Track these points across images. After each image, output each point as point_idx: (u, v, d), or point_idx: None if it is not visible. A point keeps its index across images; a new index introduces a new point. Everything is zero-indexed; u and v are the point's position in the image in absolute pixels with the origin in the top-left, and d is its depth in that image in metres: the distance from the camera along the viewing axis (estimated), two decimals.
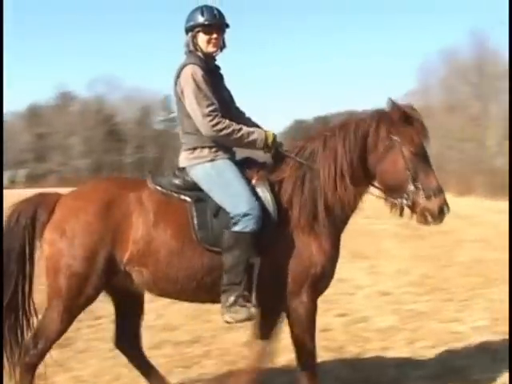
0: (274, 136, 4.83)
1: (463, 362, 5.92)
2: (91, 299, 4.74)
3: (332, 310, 8.01)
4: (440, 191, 4.60)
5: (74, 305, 4.65)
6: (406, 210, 4.73)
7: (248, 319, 4.57)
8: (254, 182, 4.74)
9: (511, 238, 11.06)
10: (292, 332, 4.75)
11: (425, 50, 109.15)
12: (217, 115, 4.71)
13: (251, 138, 4.77)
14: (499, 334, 6.90)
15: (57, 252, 4.65)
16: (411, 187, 4.58)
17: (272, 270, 4.60)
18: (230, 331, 7.09)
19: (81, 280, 4.60)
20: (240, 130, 4.76)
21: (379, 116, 4.77)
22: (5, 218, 4.84)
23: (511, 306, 6.68)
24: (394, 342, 6.79)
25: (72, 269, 4.60)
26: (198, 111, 4.69)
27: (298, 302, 4.66)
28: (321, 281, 4.72)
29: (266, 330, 4.98)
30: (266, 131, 4.86)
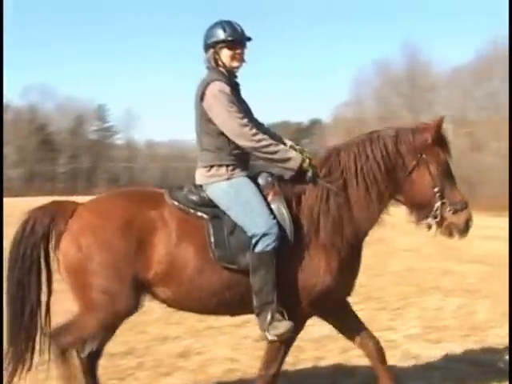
0: (310, 159, 4.82)
1: (396, 369, 5.99)
2: (124, 318, 4.74)
3: None
4: (465, 206, 4.70)
5: (108, 319, 4.66)
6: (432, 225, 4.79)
7: (289, 332, 4.60)
8: (270, 198, 4.73)
9: (511, 245, 11.27)
10: (273, 344, 4.80)
11: (358, 61, 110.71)
12: (252, 126, 4.74)
13: (287, 155, 4.77)
14: (431, 341, 7.02)
15: (78, 266, 4.62)
16: (438, 203, 4.67)
17: (285, 282, 4.64)
18: (164, 342, 7.04)
19: (112, 298, 4.58)
20: (277, 144, 4.79)
21: (407, 133, 4.80)
22: (19, 225, 4.79)
23: (511, 307, 6.77)
24: (328, 352, 6.82)
25: (101, 286, 4.57)
26: (233, 124, 4.68)
27: (302, 314, 4.80)
28: (323, 300, 4.74)
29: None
30: (300, 153, 4.85)
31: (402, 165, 4.72)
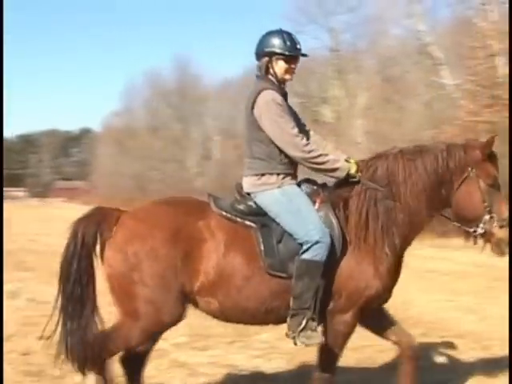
0: (357, 166, 4.78)
1: (164, 378, 6.03)
2: (168, 327, 4.71)
3: (33, 332, 7.68)
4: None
5: (151, 329, 4.63)
6: (480, 240, 4.81)
7: (317, 345, 4.63)
8: (317, 205, 4.69)
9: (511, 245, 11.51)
10: (324, 347, 4.72)
11: (129, 71, 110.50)
12: (303, 137, 4.73)
13: (335, 165, 4.73)
14: (198, 349, 7.11)
15: (122, 275, 4.56)
16: (486, 217, 4.69)
17: (329, 289, 4.63)
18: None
19: (157, 308, 4.53)
20: (326, 155, 4.74)
21: (458, 148, 4.79)
22: (69, 238, 4.70)
23: (511, 308, 6.94)
24: None
25: (146, 295, 4.52)
26: (284, 134, 4.65)
27: (341, 320, 4.69)
28: (371, 304, 4.75)
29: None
30: (347, 160, 4.83)
31: (452, 178, 4.74)
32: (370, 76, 29.44)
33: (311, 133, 5.14)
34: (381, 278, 4.67)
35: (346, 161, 4.84)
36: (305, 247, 4.51)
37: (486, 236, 4.75)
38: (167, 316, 4.59)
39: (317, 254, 4.49)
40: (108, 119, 63.60)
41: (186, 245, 4.57)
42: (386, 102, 27.63)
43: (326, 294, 4.62)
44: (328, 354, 4.77)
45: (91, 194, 58.95)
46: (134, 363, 5.00)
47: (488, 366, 6.25)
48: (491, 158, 4.79)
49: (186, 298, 4.62)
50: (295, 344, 4.58)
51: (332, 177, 4.82)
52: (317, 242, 4.49)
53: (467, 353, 6.77)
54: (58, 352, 4.67)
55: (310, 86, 35.66)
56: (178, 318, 4.66)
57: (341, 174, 4.76)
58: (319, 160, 4.71)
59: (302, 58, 4.90)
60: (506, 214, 4.70)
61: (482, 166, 4.74)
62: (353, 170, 4.75)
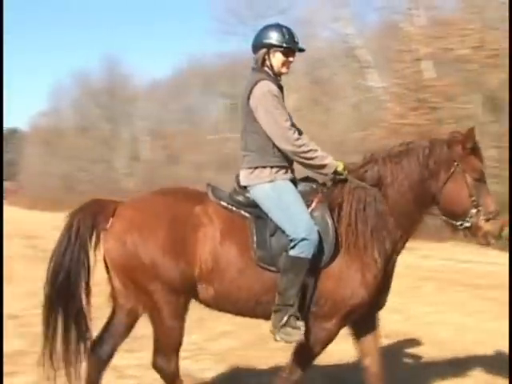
0: (345, 165, 4.80)
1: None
2: (184, 308, 4.67)
3: None
4: (498, 214, 4.74)
5: (178, 314, 4.63)
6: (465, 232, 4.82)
7: (299, 340, 4.56)
8: (314, 205, 4.69)
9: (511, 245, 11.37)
10: (299, 349, 4.73)
11: (58, 71, 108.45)
12: (295, 131, 4.73)
13: (324, 161, 4.75)
14: (125, 351, 7.02)
15: (124, 263, 4.57)
16: (473, 210, 4.70)
17: (320, 290, 4.62)
18: None
19: (172, 291, 4.54)
20: (316, 150, 4.75)
21: (441, 144, 4.81)
22: (63, 230, 4.66)
23: (511, 310, 6.80)
24: (23, 366, 6.58)
25: (160, 282, 4.52)
26: (278, 124, 4.65)
27: (322, 327, 4.68)
28: (355, 312, 4.70)
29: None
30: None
31: (438, 175, 4.75)
32: (299, 78, 29.63)
33: (302, 133, 5.08)
34: (367, 286, 4.64)
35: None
36: (292, 244, 4.52)
37: (473, 229, 4.77)
38: (183, 300, 4.61)
39: (302, 251, 4.49)
40: (35, 119, 62.45)
41: (183, 230, 4.58)
42: (315, 103, 27.93)
43: (312, 296, 4.62)
44: (302, 357, 4.77)
45: (18, 194, 57.77)
46: (101, 362, 4.94)
47: (416, 365, 6.44)
48: (475, 151, 4.81)
49: (190, 283, 4.60)
50: (275, 339, 4.57)
51: (320, 173, 4.84)
52: (303, 239, 4.49)
53: (394, 352, 6.86)
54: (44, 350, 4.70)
55: (238, 86, 35.67)
56: (187, 301, 4.67)
57: (329, 171, 4.78)
58: (309, 155, 4.72)
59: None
60: (492, 207, 4.74)
61: (467, 159, 4.75)
62: (340, 168, 4.77)
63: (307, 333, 4.59)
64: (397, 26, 21.42)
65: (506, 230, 4.82)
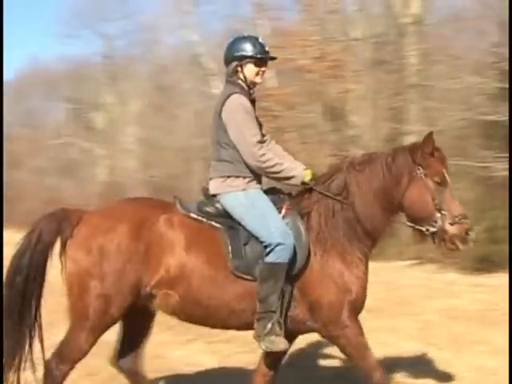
0: (313, 174, 4.89)
1: None
2: (116, 320, 4.71)
3: None
4: (464, 217, 4.74)
5: (98, 325, 4.60)
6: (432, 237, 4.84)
7: (282, 350, 4.65)
8: (283, 212, 4.77)
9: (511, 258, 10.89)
10: (349, 357, 4.78)
11: None
12: (262, 146, 4.81)
13: (290, 173, 4.84)
14: None
15: (82, 271, 4.58)
16: (438, 215, 4.71)
17: (305, 299, 4.66)
18: None
19: (107, 301, 4.55)
20: (282, 164, 4.83)
21: (402, 151, 4.89)
22: (24, 236, 4.73)
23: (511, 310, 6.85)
24: None
25: (98, 289, 4.54)
26: (245, 140, 4.73)
27: (340, 329, 4.67)
28: (356, 305, 4.74)
29: (274, 358, 5.03)
30: (304, 168, 4.92)
31: (400, 181, 4.79)
32: (143, 83, 29.37)
33: (272, 142, 5.20)
34: (358, 281, 4.75)
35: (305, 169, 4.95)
36: (268, 250, 4.58)
37: (440, 234, 4.81)
38: (115, 309, 4.60)
39: (279, 256, 4.55)
40: None
41: (147, 237, 4.62)
42: (159, 109, 27.74)
43: (310, 307, 4.68)
44: (361, 365, 4.76)
45: None
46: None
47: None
48: (436, 155, 4.86)
49: (141, 292, 4.64)
50: (261, 348, 4.65)
51: (288, 184, 4.97)
52: (278, 244, 4.55)
53: (235, 356, 6.94)
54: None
55: (82, 91, 34.88)
56: (124, 312, 4.66)
57: (296, 182, 4.91)
58: (274, 169, 4.82)
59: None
60: (457, 210, 4.76)
61: (428, 164, 4.81)
62: (307, 179, 4.88)
63: (338, 343, 4.76)
64: (241, 34, 21.57)
65: (473, 234, 4.83)
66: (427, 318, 8.85)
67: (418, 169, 4.81)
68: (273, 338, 4.55)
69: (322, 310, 4.69)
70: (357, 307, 4.78)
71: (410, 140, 15.53)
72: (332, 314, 4.69)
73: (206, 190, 4.95)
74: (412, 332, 8.00)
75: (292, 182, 4.92)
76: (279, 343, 4.57)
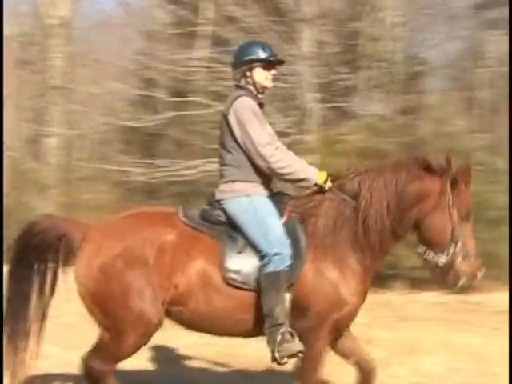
0: (327, 177, 4.74)
1: None
2: (149, 337, 4.63)
3: None
4: (476, 256, 4.60)
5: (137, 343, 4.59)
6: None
7: (298, 353, 4.48)
8: (284, 218, 4.67)
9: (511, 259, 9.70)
10: (301, 366, 4.64)
11: None
12: (272, 147, 4.72)
13: (302, 175, 4.75)
14: None
15: (95, 290, 4.55)
16: (452, 247, 4.57)
17: (295, 307, 4.56)
18: None
19: (136, 319, 4.49)
20: (293, 165, 4.74)
21: (438, 168, 4.59)
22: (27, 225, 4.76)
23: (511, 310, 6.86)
24: None
25: (126, 309, 4.49)
26: (253, 140, 4.67)
27: (313, 339, 4.59)
28: (341, 324, 4.66)
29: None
30: (318, 171, 4.79)
31: (424, 201, 4.60)
32: None
33: (284, 147, 5.03)
34: (353, 294, 4.61)
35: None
36: (265, 260, 4.51)
37: (447, 266, 4.63)
38: (151, 322, 4.54)
39: (277, 265, 4.48)
40: None
41: (152, 255, 4.56)
42: None
43: (293, 311, 4.58)
44: (306, 378, 4.70)
45: None
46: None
47: None
48: (469, 188, 4.66)
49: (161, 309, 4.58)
50: (279, 363, 4.53)
51: (300, 186, 4.88)
52: (276, 254, 4.49)
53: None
54: None
55: None
56: (159, 323, 4.59)
57: (308, 184, 4.79)
58: (284, 171, 4.72)
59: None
60: (471, 247, 4.63)
61: (459, 193, 4.61)
62: (321, 180, 4.73)
63: (305, 348, 4.59)
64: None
65: (481, 273, 4.64)
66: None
67: (448, 195, 4.61)
68: (285, 345, 4.49)
69: (307, 318, 4.61)
70: (341, 325, 4.72)
71: (51, 142, 15.51)
72: (313, 324, 4.63)
73: (211, 196, 4.88)
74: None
75: (303, 184, 4.82)
76: (293, 346, 4.50)
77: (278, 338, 4.53)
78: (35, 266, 4.72)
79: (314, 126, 11.88)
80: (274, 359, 4.57)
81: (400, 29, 12.79)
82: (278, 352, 4.52)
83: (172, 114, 12.93)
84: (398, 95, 12.25)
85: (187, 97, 13.08)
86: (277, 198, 4.90)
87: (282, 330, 4.52)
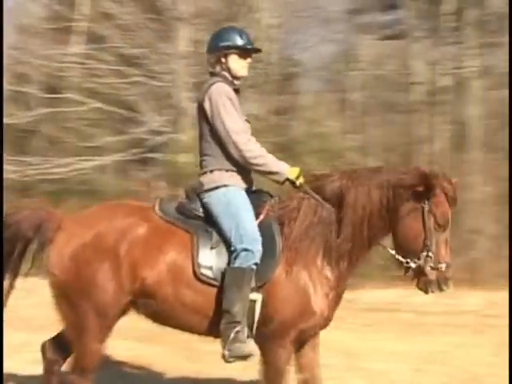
0: (299, 172, 4.57)
1: None
2: (110, 331, 4.54)
3: None
4: (449, 266, 4.51)
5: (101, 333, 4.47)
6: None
7: (248, 355, 4.33)
8: (261, 217, 4.51)
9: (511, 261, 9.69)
10: (263, 374, 4.50)
11: None
12: (246, 135, 4.60)
13: (274, 168, 4.57)
14: None
15: (65, 281, 4.47)
16: (423, 255, 4.47)
17: (266, 308, 4.39)
18: None
19: (100, 308, 4.43)
20: (265, 157, 4.59)
21: (413, 177, 4.50)
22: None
23: (511, 311, 7.02)
24: None
25: (89, 299, 4.41)
26: (228, 128, 4.54)
27: (276, 346, 4.43)
28: (306, 333, 4.49)
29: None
30: (291, 167, 4.65)
31: (399, 208, 4.50)
32: None
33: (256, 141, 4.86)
34: (319, 304, 4.43)
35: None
36: (234, 255, 4.41)
37: (417, 272, 4.50)
38: (111, 315, 4.49)
39: (243, 262, 4.36)
40: None
41: (123, 246, 4.48)
42: None
43: (260, 315, 4.43)
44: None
45: None
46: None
47: None
48: (451, 199, 4.54)
49: (125, 301, 4.49)
50: (228, 361, 4.39)
51: (272, 180, 4.67)
52: (244, 250, 4.37)
53: None
54: None
55: None
56: (118, 318, 4.54)
57: (280, 178, 4.60)
58: (257, 161, 4.58)
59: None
60: (443, 257, 4.49)
61: (438, 202, 4.49)
62: (293, 176, 4.56)
63: (267, 355, 4.45)
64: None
65: (450, 284, 4.50)
66: None
67: (426, 202, 4.48)
68: (237, 345, 4.34)
69: (271, 324, 4.44)
70: (306, 335, 4.55)
71: None
72: (277, 332, 4.46)
73: (189, 189, 4.77)
74: None
75: (275, 177, 4.61)
76: (245, 348, 4.34)
77: (232, 335, 4.39)
78: (9, 258, 4.67)
79: (189, 124, 11.91)
80: (223, 356, 4.42)
81: (275, 30, 13.11)
82: (229, 350, 4.38)
83: (45, 110, 12.72)
84: (273, 96, 12.52)
85: (61, 93, 12.85)
86: (256, 195, 4.76)
87: (237, 329, 4.37)
